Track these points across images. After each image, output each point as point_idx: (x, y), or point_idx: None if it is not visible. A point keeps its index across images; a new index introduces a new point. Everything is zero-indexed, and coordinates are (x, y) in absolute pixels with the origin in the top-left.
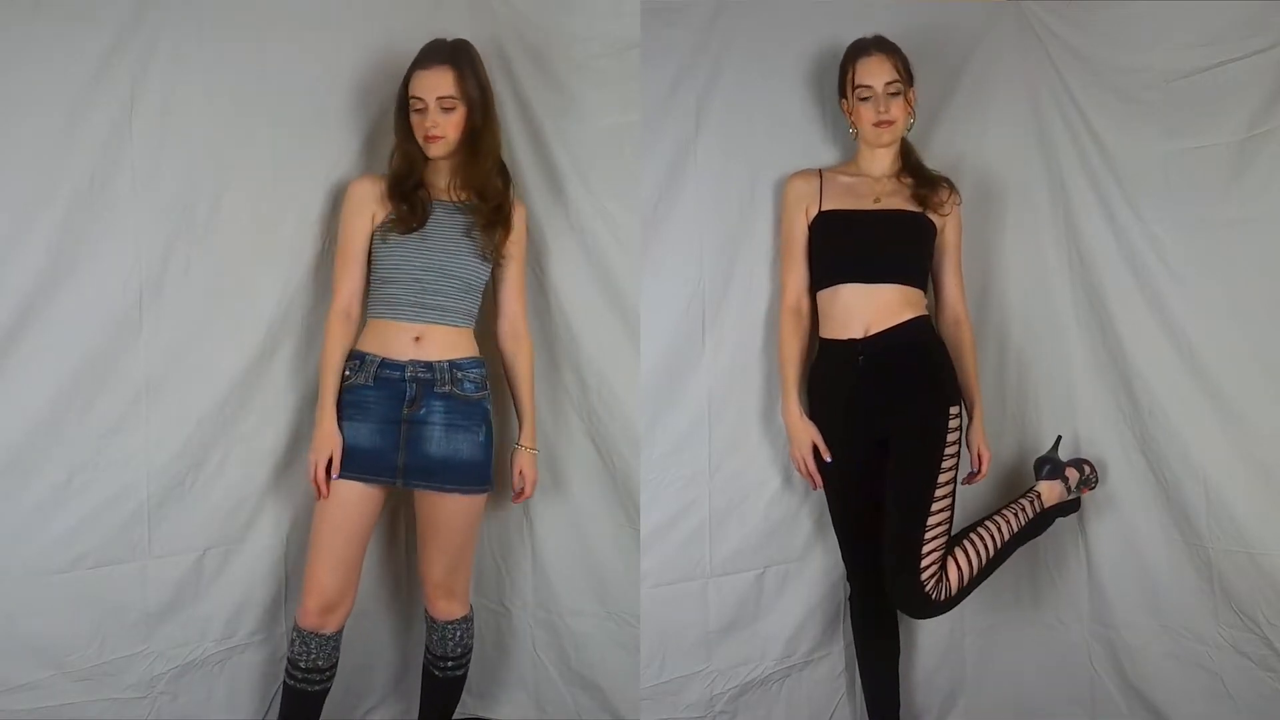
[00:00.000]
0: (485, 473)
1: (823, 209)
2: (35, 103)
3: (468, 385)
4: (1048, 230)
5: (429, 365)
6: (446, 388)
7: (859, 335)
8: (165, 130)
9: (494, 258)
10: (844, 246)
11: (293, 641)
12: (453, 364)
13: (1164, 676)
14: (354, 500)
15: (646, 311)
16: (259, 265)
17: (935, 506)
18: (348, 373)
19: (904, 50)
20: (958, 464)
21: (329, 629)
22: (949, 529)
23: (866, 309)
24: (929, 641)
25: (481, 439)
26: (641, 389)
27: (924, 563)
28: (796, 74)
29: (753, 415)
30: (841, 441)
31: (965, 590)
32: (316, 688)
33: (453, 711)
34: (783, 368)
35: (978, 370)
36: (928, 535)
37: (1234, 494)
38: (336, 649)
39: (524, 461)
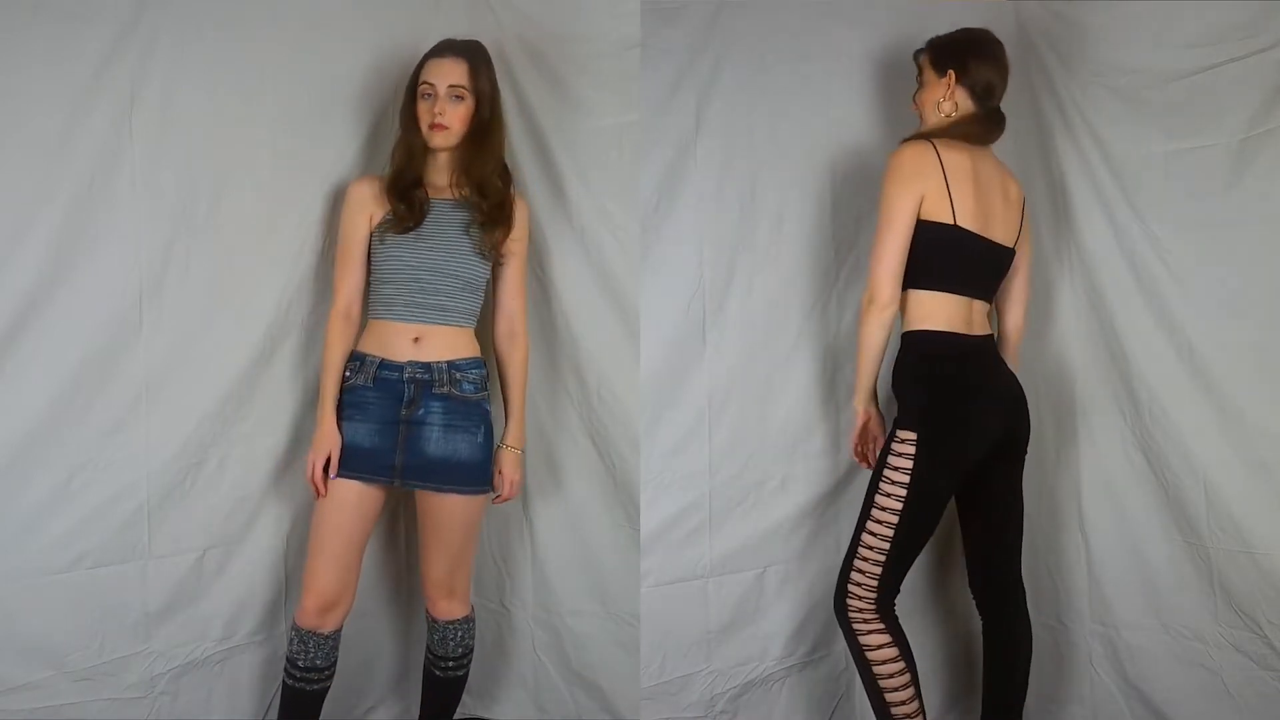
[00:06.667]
0: (484, 473)
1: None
2: (35, 103)
3: (466, 386)
4: (1048, 230)
5: (427, 366)
6: (445, 388)
7: None
8: (165, 130)
9: (493, 256)
10: None
11: (291, 640)
12: (451, 364)
13: (1164, 676)
14: (353, 500)
15: (646, 311)
16: (259, 265)
17: (869, 528)
18: (348, 373)
19: (906, 50)
20: (909, 499)
21: (327, 628)
22: None
23: None
24: (929, 642)
25: (480, 439)
26: (641, 389)
27: (851, 586)
28: (797, 74)
29: (753, 415)
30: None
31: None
32: (315, 687)
33: (453, 712)
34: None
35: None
36: (860, 554)
37: (1234, 494)
38: (335, 648)
39: (505, 461)
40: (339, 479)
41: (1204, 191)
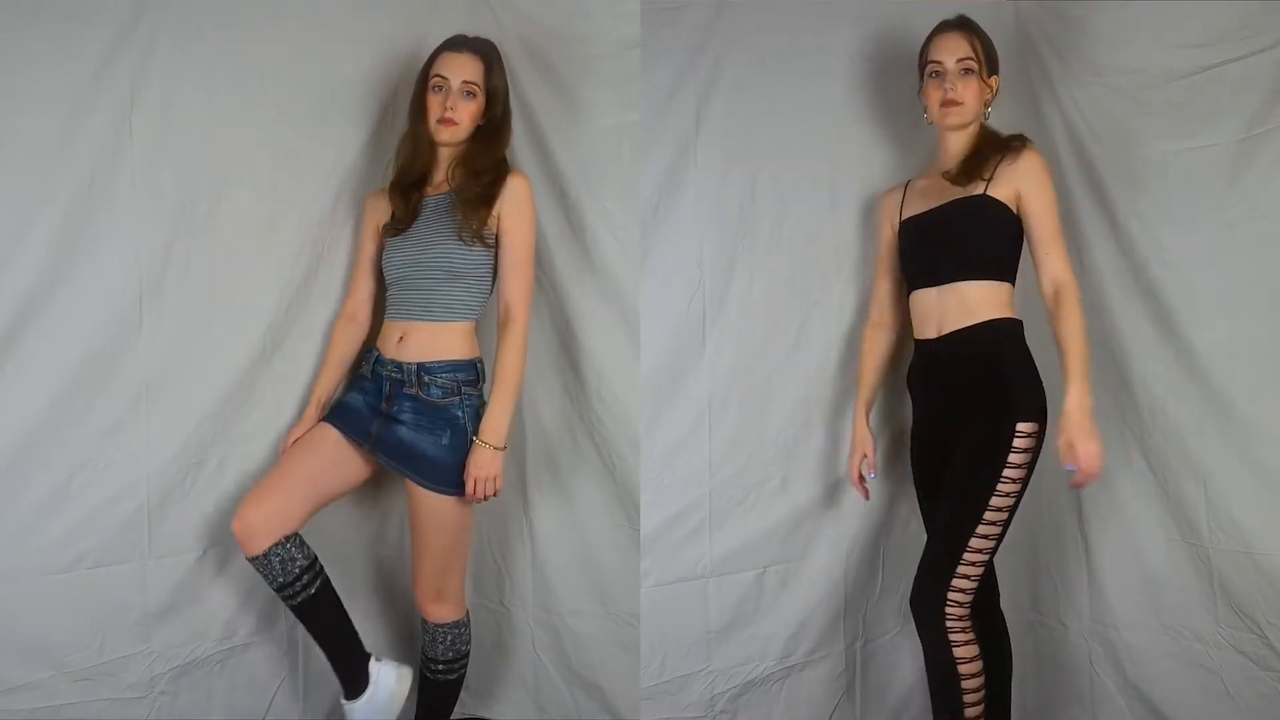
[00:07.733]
0: (448, 475)
1: (902, 218)
2: (35, 103)
3: (434, 390)
4: None
5: (400, 366)
6: (413, 390)
7: (933, 335)
8: (165, 130)
9: (476, 239)
10: (911, 252)
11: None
12: (421, 366)
13: (1164, 676)
14: (329, 441)
15: (646, 311)
16: (259, 265)
17: (981, 530)
18: (362, 363)
19: (904, 50)
20: (1021, 491)
21: (253, 549)
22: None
23: (936, 311)
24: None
25: (445, 442)
26: (641, 389)
27: (952, 594)
28: (796, 73)
29: (753, 415)
30: (917, 439)
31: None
32: (303, 595)
33: (448, 715)
34: (858, 379)
35: (1081, 346)
36: (967, 560)
37: (1234, 494)
38: (291, 559)
39: (472, 457)
40: (323, 422)
41: (1204, 191)
